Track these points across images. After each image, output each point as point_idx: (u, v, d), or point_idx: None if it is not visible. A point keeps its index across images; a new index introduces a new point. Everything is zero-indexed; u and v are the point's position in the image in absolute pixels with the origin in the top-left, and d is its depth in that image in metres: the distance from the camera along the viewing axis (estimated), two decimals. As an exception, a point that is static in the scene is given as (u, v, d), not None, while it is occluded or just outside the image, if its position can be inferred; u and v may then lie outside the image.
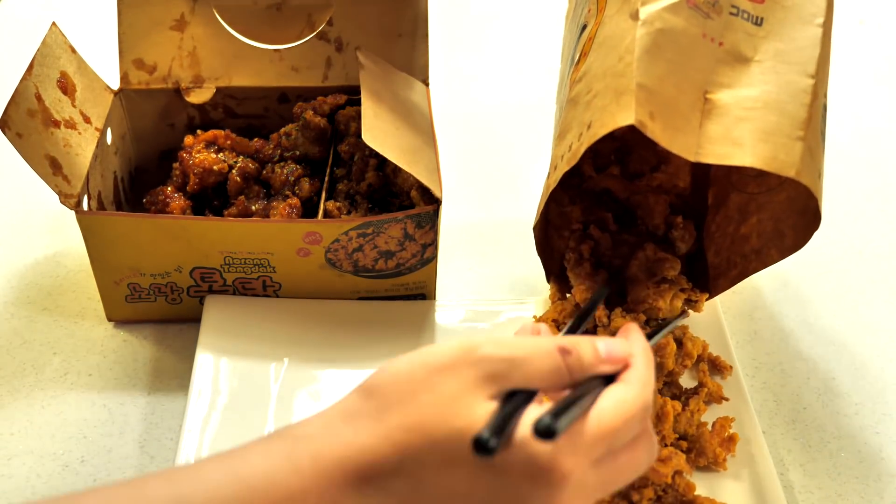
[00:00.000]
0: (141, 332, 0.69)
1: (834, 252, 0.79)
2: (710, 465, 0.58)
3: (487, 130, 0.92)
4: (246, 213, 0.69)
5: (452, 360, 0.38)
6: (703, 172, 0.67)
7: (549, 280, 0.67)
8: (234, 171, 0.71)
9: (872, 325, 0.72)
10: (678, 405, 0.58)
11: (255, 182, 0.72)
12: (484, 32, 1.09)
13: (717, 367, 0.64)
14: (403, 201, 0.68)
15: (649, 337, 0.54)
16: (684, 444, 0.57)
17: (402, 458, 0.36)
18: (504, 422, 0.36)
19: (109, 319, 0.69)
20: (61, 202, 0.61)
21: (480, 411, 0.36)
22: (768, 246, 0.62)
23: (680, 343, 0.61)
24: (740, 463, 0.59)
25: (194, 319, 0.67)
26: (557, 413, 0.36)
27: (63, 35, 0.67)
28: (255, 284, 0.66)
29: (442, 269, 0.70)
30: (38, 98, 0.62)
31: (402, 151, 0.62)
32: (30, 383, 0.65)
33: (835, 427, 0.64)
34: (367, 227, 0.63)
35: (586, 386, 0.40)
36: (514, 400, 0.37)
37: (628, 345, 0.43)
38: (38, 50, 0.64)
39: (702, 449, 0.57)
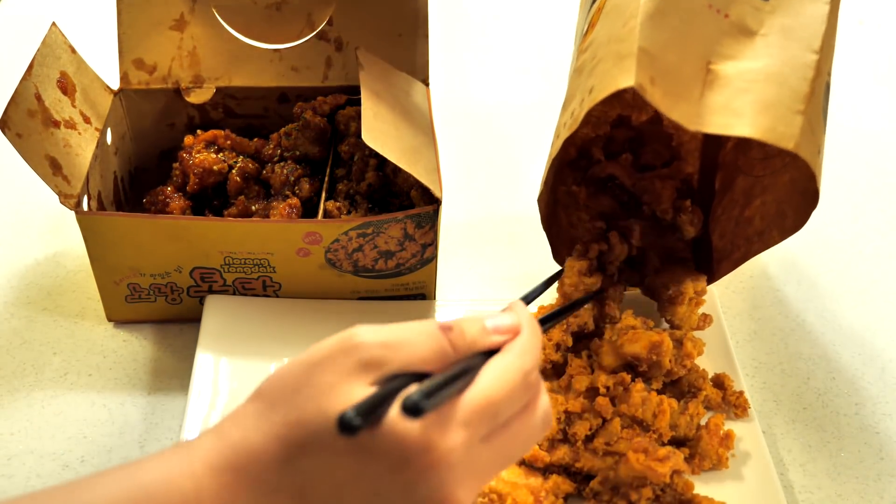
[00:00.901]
0: (141, 332, 0.69)
1: (834, 252, 0.79)
2: (714, 466, 0.58)
3: (487, 130, 0.92)
4: (246, 213, 0.69)
5: (330, 353, 0.38)
6: (711, 157, 0.67)
7: (555, 258, 0.67)
8: (234, 171, 0.71)
9: (872, 325, 0.72)
10: (675, 403, 0.58)
11: (255, 182, 0.72)
12: (484, 32, 1.09)
13: (733, 403, 0.62)
14: (403, 201, 0.68)
15: (563, 311, 0.56)
16: (686, 451, 0.57)
17: (287, 453, 0.36)
18: (376, 403, 0.35)
19: (109, 319, 0.69)
20: (61, 202, 0.61)
21: (357, 397, 0.36)
22: (770, 227, 0.62)
23: (680, 343, 0.61)
24: (740, 463, 0.59)
25: (194, 319, 0.67)
26: (430, 391, 0.36)
27: (63, 35, 0.67)
28: (255, 284, 0.66)
29: (442, 269, 0.70)
30: (38, 98, 0.62)
31: (401, 151, 0.62)
32: (30, 383, 0.65)
33: (835, 427, 0.64)
34: (367, 227, 0.63)
35: (471, 362, 0.39)
36: (394, 383, 0.37)
37: (515, 316, 0.42)
38: (38, 50, 0.64)
39: (704, 452, 0.57)
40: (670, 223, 0.65)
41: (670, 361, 0.60)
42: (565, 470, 0.57)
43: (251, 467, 0.37)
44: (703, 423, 0.59)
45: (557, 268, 0.64)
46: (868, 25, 1.12)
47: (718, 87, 0.51)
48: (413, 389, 0.36)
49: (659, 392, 0.61)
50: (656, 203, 0.64)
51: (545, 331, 0.49)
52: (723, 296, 0.73)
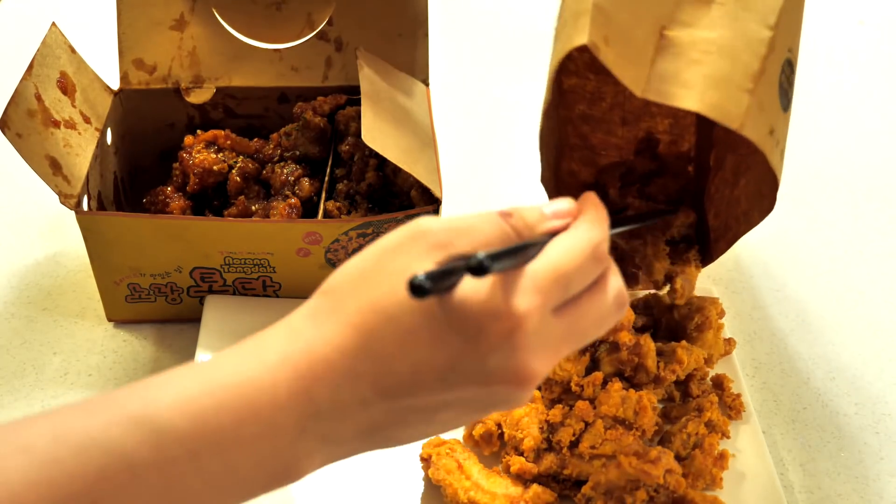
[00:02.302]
0: (141, 332, 0.69)
1: (834, 252, 0.79)
2: (708, 487, 0.57)
3: (487, 130, 0.92)
4: (246, 213, 0.69)
5: (399, 239, 0.38)
6: (706, 134, 0.67)
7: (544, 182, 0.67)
8: (234, 171, 0.71)
9: (872, 325, 0.72)
10: (653, 398, 0.58)
11: (255, 182, 0.72)
12: (484, 32, 1.09)
13: (728, 405, 0.62)
14: (403, 201, 0.68)
15: (620, 224, 0.54)
16: (679, 470, 0.56)
17: (363, 340, 0.36)
18: (447, 271, 0.35)
19: (109, 319, 0.69)
20: (61, 202, 0.61)
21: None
22: (752, 208, 0.62)
23: (673, 351, 0.61)
24: (740, 462, 0.59)
25: (194, 319, 0.67)
26: (496, 254, 0.35)
27: (63, 35, 0.67)
28: (255, 284, 0.66)
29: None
30: (38, 98, 0.62)
31: (401, 152, 0.62)
32: (30, 383, 0.65)
33: (835, 427, 0.64)
34: (367, 227, 0.63)
35: (535, 240, 0.39)
36: (463, 260, 0.37)
37: (572, 201, 0.42)
38: (38, 50, 0.64)
39: (698, 472, 0.56)
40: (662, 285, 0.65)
41: (659, 367, 0.60)
42: (554, 478, 0.57)
43: (327, 357, 0.36)
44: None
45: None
46: (868, 25, 1.12)
47: (671, 55, 0.50)
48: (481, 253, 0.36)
49: (663, 408, 0.61)
50: (647, 272, 0.63)
51: (612, 234, 0.48)
52: (723, 296, 0.73)
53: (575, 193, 0.48)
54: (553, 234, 0.40)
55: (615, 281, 0.41)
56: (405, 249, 0.37)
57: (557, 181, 0.67)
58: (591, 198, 0.43)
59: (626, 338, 0.59)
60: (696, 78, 0.49)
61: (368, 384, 0.36)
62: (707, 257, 0.65)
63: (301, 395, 0.36)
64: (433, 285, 0.34)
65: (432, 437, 0.57)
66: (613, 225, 0.46)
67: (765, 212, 0.59)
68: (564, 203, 0.42)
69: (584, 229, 0.40)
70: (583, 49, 0.64)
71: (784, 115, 0.54)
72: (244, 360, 0.37)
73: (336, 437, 0.37)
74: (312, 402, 0.36)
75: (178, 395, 0.35)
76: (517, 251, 0.37)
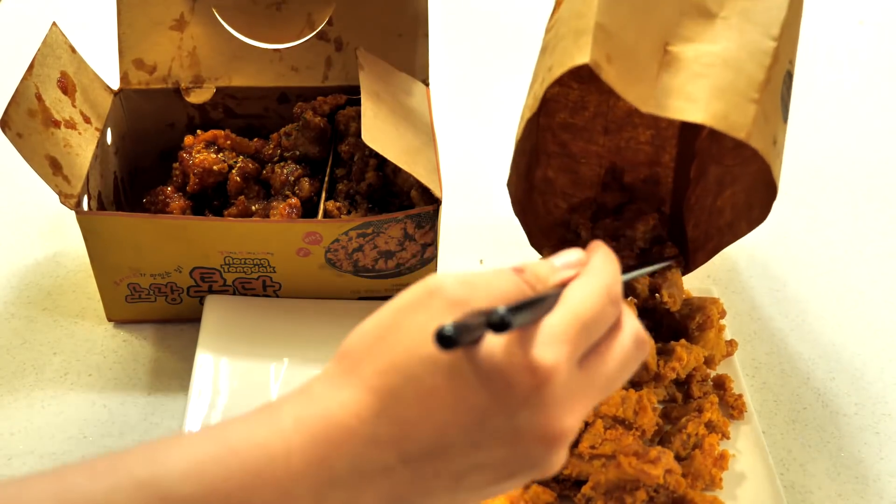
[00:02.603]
0: (141, 332, 0.69)
1: (834, 252, 0.79)
2: (708, 487, 0.57)
3: (487, 130, 0.92)
4: (246, 213, 0.69)
5: (416, 297, 0.37)
6: (688, 145, 0.67)
7: (532, 244, 0.66)
8: (234, 171, 0.71)
9: (872, 325, 0.72)
10: (653, 398, 0.58)
11: (255, 182, 0.72)
12: (484, 32, 1.09)
13: (730, 405, 0.62)
14: (403, 201, 0.68)
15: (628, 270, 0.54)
16: (679, 469, 0.56)
17: (383, 403, 0.35)
18: (470, 325, 0.34)
19: (109, 319, 0.69)
20: (61, 202, 0.61)
21: None
22: (739, 218, 0.62)
23: (673, 350, 0.61)
24: (740, 462, 0.59)
25: (194, 319, 0.67)
26: (516, 307, 0.35)
27: (63, 35, 0.67)
28: (255, 284, 0.66)
29: (442, 269, 0.70)
30: (39, 98, 0.62)
31: (401, 152, 0.62)
32: (30, 383, 0.65)
33: (835, 427, 0.64)
34: (367, 227, 0.63)
35: (548, 293, 0.39)
36: (483, 316, 0.36)
37: (580, 252, 0.42)
38: (39, 50, 0.64)
39: (697, 472, 0.56)
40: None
41: (659, 365, 0.60)
42: (554, 478, 0.57)
43: (345, 423, 0.35)
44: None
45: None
46: (868, 25, 1.12)
47: (675, 70, 0.50)
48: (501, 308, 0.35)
49: (664, 408, 0.61)
50: (632, 294, 0.63)
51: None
52: (723, 296, 0.73)
53: (550, 201, 0.48)
54: (565, 285, 0.39)
55: (632, 322, 0.40)
56: (423, 307, 0.36)
57: (530, 188, 0.66)
58: (598, 245, 0.42)
59: None
60: (700, 90, 0.49)
61: (390, 449, 0.35)
62: (685, 268, 0.65)
63: (317, 464, 0.34)
64: (461, 336, 0.33)
65: None
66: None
67: (754, 222, 0.59)
68: (573, 254, 0.41)
69: (595, 273, 0.39)
70: None
71: (784, 125, 0.55)
72: (257, 424, 0.36)
73: None
74: (329, 469, 0.35)
75: (186, 460, 0.34)
76: (535, 304, 0.37)
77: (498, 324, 0.34)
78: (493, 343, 0.35)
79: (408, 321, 0.36)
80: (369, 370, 0.36)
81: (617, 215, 0.66)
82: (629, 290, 0.61)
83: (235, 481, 0.34)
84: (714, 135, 0.64)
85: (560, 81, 0.64)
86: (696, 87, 0.50)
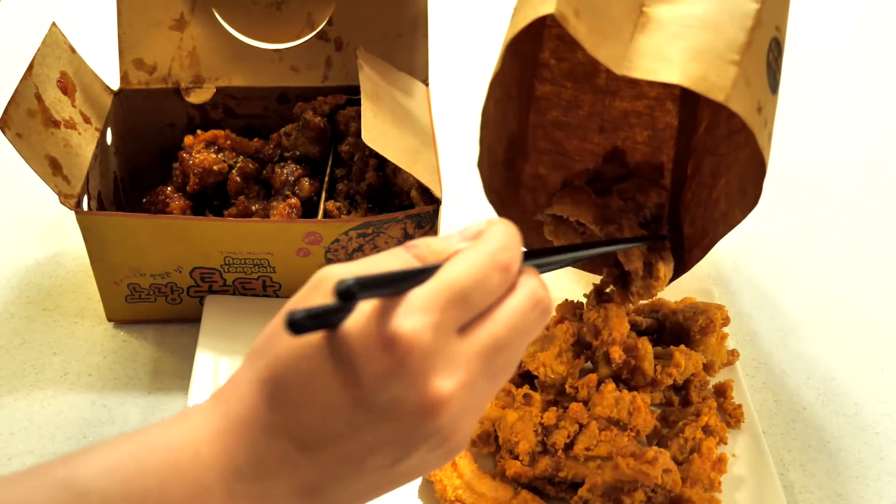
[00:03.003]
0: (141, 332, 0.69)
1: (834, 252, 0.79)
2: (707, 490, 0.57)
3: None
4: (246, 213, 0.69)
5: (303, 292, 0.37)
6: (685, 144, 0.66)
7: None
8: (234, 171, 0.71)
9: (872, 325, 0.72)
10: (647, 398, 0.58)
11: (255, 182, 0.72)
12: (484, 32, 1.09)
13: (728, 413, 0.62)
14: (403, 201, 0.68)
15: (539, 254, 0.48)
16: (676, 469, 0.55)
17: (270, 393, 0.36)
18: (332, 309, 0.34)
19: (109, 319, 0.69)
20: (61, 202, 0.61)
21: None
22: (733, 206, 0.60)
23: (671, 355, 0.61)
24: (740, 463, 0.59)
25: (194, 319, 0.67)
26: (369, 279, 0.33)
27: (63, 35, 0.67)
28: (255, 284, 0.66)
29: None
30: (38, 98, 0.62)
31: (401, 152, 0.62)
32: (30, 383, 0.65)
33: (835, 427, 0.64)
34: (367, 227, 0.63)
35: (429, 265, 0.37)
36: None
37: (486, 223, 0.40)
38: (38, 50, 0.64)
39: (696, 476, 0.56)
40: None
41: (656, 370, 0.60)
42: (550, 481, 0.57)
43: (242, 414, 0.36)
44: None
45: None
46: (868, 25, 1.12)
47: (651, 31, 0.49)
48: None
49: (661, 412, 0.61)
50: (625, 259, 0.61)
51: (543, 271, 0.42)
52: (723, 296, 0.73)
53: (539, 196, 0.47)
54: None
55: (529, 284, 0.38)
56: (308, 298, 0.36)
57: (516, 183, 0.66)
58: (498, 219, 0.40)
59: (617, 353, 0.59)
60: (677, 51, 0.48)
61: (285, 438, 0.35)
62: (681, 267, 0.64)
63: (222, 456, 0.35)
64: (312, 321, 0.33)
65: None
66: (537, 255, 0.44)
67: (747, 207, 0.58)
68: (473, 227, 0.39)
69: (481, 242, 0.38)
70: (560, 57, 0.63)
71: (773, 96, 0.53)
72: (172, 424, 0.37)
73: (271, 500, 0.36)
74: (234, 461, 0.35)
75: (105, 460, 0.35)
76: (402, 277, 0.35)
77: (343, 293, 0.32)
78: (353, 321, 0.34)
79: None
80: (261, 363, 0.36)
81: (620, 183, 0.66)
82: (613, 261, 0.60)
83: (151, 475, 0.35)
84: (709, 128, 0.64)
85: (552, 80, 0.64)
86: (673, 48, 0.48)
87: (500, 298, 0.37)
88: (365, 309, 0.34)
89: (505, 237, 0.38)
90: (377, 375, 0.34)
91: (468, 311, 0.36)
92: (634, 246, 0.59)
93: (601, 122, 0.66)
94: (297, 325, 0.33)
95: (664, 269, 0.60)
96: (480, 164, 0.60)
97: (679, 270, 0.64)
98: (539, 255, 0.46)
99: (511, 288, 0.38)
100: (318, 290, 0.36)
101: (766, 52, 0.51)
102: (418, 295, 0.35)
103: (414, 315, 0.34)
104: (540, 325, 0.38)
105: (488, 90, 0.54)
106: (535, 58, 0.64)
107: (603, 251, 0.59)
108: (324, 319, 0.34)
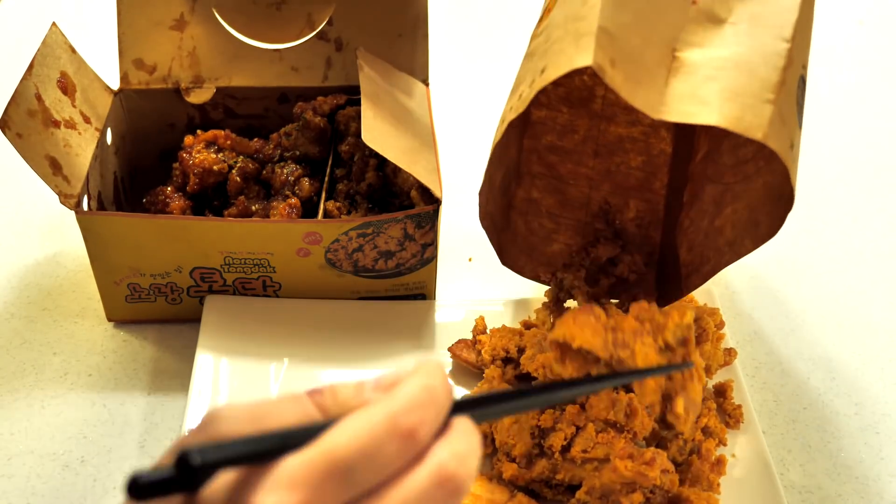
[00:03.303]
0: (141, 332, 0.69)
1: (834, 252, 0.79)
2: (706, 491, 0.57)
3: (487, 131, 0.92)
4: (246, 213, 0.69)
5: (190, 434, 0.32)
6: (680, 171, 0.66)
7: (504, 262, 0.65)
8: (234, 171, 0.71)
9: (872, 325, 0.72)
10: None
11: (255, 182, 0.72)
12: (484, 32, 1.09)
13: (728, 413, 0.62)
14: (403, 201, 0.68)
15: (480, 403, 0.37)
16: (676, 477, 0.55)
17: None
18: (179, 478, 0.29)
19: (109, 319, 0.69)
20: (61, 202, 0.61)
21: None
22: (742, 236, 0.60)
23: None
24: (741, 463, 0.59)
25: (194, 319, 0.67)
26: (230, 445, 0.29)
27: (63, 35, 0.67)
28: (255, 284, 0.66)
29: (442, 269, 0.70)
30: (39, 98, 0.62)
31: (401, 152, 0.62)
32: (30, 383, 0.65)
33: (835, 427, 0.64)
34: (367, 227, 0.63)
35: (317, 425, 0.31)
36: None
37: (404, 373, 0.33)
38: (38, 50, 0.64)
39: (695, 478, 0.56)
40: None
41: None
42: (547, 484, 0.57)
43: None
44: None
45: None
46: (868, 25, 1.12)
47: (684, 75, 0.49)
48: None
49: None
50: (639, 394, 0.59)
51: (481, 421, 0.35)
52: (723, 296, 0.73)
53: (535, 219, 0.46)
54: None
55: (438, 457, 0.31)
56: (192, 439, 0.31)
57: (508, 206, 0.66)
58: (427, 362, 0.34)
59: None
60: (712, 94, 0.48)
61: None
62: (676, 293, 0.64)
63: None
64: (155, 488, 0.28)
65: None
66: (482, 403, 0.36)
67: (760, 239, 0.58)
68: (389, 377, 0.33)
69: (384, 401, 0.31)
70: (557, 83, 0.63)
71: (799, 131, 0.53)
72: None
73: None
74: None
75: None
76: (277, 440, 0.30)
77: (184, 464, 0.28)
78: (210, 490, 0.29)
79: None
80: None
81: (611, 268, 0.65)
82: (637, 389, 0.52)
83: None
84: (710, 156, 0.64)
85: (548, 105, 0.64)
86: (708, 90, 0.48)
87: (399, 473, 0.31)
88: (226, 477, 0.29)
89: (419, 392, 0.32)
90: None
91: (351, 489, 0.29)
92: (650, 375, 0.51)
93: (596, 146, 0.66)
94: (139, 489, 0.28)
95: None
96: (481, 193, 0.60)
97: (675, 296, 0.63)
98: (498, 399, 0.38)
99: (418, 458, 0.31)
100: (201, 434, 0.31)
101: (796, 90, 0.51)
102: (289, 465, 0.29)
103: (277, 492, 0.28)
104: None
105: (505, 130, 0.54)
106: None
107: (592, 389, 0.52)
108: (172, 485, 0.29)
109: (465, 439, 0.32)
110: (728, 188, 0.62)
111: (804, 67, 0.54)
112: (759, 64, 0.49)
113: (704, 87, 0.48)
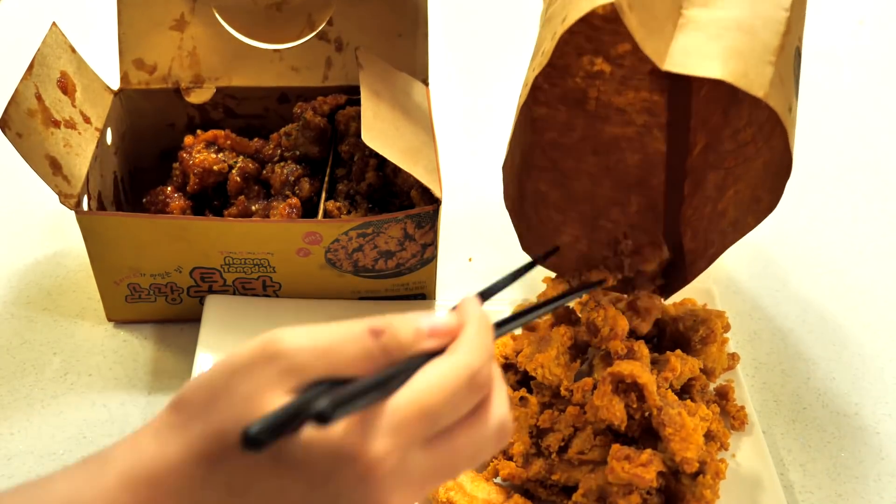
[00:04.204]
0: (141, 332, 0.69)
1: (834, 252, 0.79)
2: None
3: (487, 131, 0.92)
4: (246, 213, 0.69)
5: (251, 359, 0.35)
6: (676, 167, 0.66)
7: (525, 249, 0.66)
8: (234, 171, 0.71)
9: (872, 325, 0.72)
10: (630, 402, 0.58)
11: (255, 182, 0.72)
12: (484, 32, 1.09)
13: (732, 415, 0.61)
14: (403, 201, 0.68)
15: (528, 312, 0.51)
16: (673, 483, 0.55)
17: (207, 469, 0.34)
18: (287, 414, 0.33)
19: (109, 319, 0.69)
20: (61, 202, 0.61)
21: (274, 407, 0.33)
22: (745, 214, 0.61)
23: (667, 360, 0.61)
24: (741, 463, 0.59)
25: (194, 319, 0.67)
26: (342, 399, 0.32)
27: (63, 35, 0.67)
28: (255, 284, 0.66)
29: (442, 268, 0.70)
30: (39, 98, 0.62)
31: (401, 151, 0.62)
32: (30, 383, 0.65)
33: (835, 427, 0.64)
34: (367, 227, 0.63)
35: (405, 365, 0.36)
36: (314, 391, 0.34)
37: (457, 317, 0.38)
38: (39, 50, 0.64)
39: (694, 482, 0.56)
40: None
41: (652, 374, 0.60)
42: (542, 484, 0.57)
43: (170, 483, 0.34)
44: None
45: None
46: (868, 25, 1.12)
47: (690, 31, 0.51)
48: (325, 398, 0.32)
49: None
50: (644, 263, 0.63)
51: (503, 333, 0.44)
52: (723, 296, 0.73)
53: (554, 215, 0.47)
54: (427, 355, 0.37)
55: (498, 409, 0.38)
56: (256, 372, 0.34)
57: (522, 197, 0.66)
58: (472, 312, 0.39)
59: (618, 346, 0.59)
60: (717, 50, 0.50)
61: None
62: (682, 280, 0.64)
63: None
64: (270, 437, 0.32)
65: None
66: (508, 322, 0.45)
67: (762, 213, 0.59)
68: (443, 320, 0.38)
69: (456, 354, 0.36)
70: (553, 83, 0.64)
71: (796, 99, 0.55)
72: (83, 481, 0.35)
73: None
74: None
75: None
76: (374, 387, 0.34)
77: (319, 417, 0.32)
78: (312, 431, 0.33)
79: (239, 385, 0.34)
80: (197, 431, 0.35)
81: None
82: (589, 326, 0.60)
83: None
84: (710, 146, 0.64)
85: (547, 103, 0.65)
86: (714, 47, 0.50)
87: (471, 417, 0.37)
88: (340, 423, 0.34)
89: (481, 347, 0.37)
90: (333, 489, 0.34)
91: (435, 427, 0.36)
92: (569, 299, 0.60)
93: (594, 144, 0.66)
94: (255, 442, 0.31)
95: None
96: (504, 166, 0.61)
97: (680, 283, 0.64)
98: (507, 321, 0.46)
99: (482, 407, 0.37)
100: (268, 366, 0.35)
101: (793, 58, 0.53)
102: (389, 413, 0.34)
103: (385, 437, 0.34)
104: (497, 450, 0.39)
105: (529, 90, 0.56)
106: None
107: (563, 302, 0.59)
108: (284, 429, 0.33)
109: (504, 386, 0.39)
110: (729, 172, 0.62)
111: (800, 40, 0.55)
112: (761, 28, 0.51)
113: (710, 45, 0.50)
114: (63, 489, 0.35)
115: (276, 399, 0.34)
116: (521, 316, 0.50)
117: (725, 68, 0.49)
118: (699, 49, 0.50)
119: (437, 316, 0.38)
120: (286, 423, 0.33)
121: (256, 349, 0.35)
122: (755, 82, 0.49)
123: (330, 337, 0.36)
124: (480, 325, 0.38)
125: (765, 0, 0.52)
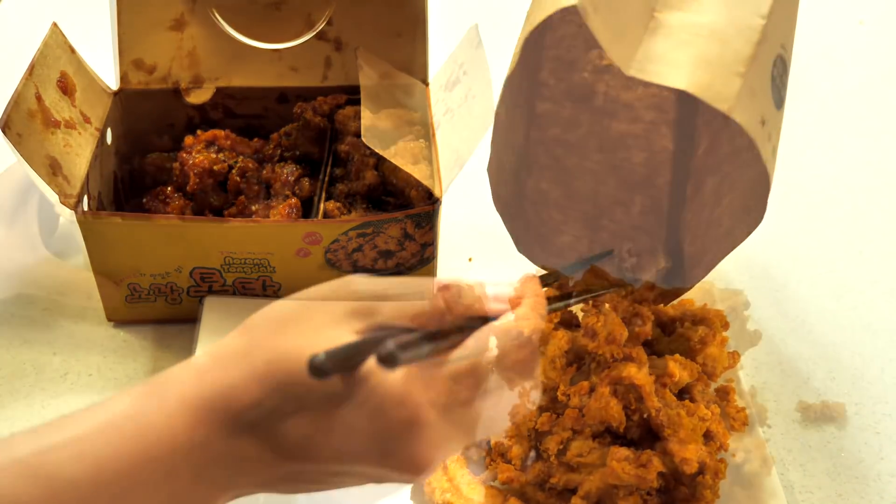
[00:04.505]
0: (141, 333, 0.69)
1: (834, 252, 0.79)
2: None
3: (487, 130, 0.92)
4: (246, 213, 0.69)
5: (325, 294, 0.38)
6: (681, 167, 0.66)
7: (519, 249, 0.66)
8: (234, 171, 0.71)
9: (872, 325, 0.72)
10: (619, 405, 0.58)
11: (256, 182, 0.72)
12: (484, 32, 1.09)
13: (732, 416, 0.61)
14: (402, 201, 0.68)
15: (560, 299, 0.55)
16: (673, 483, 0.55)
17: (265, 394, 0.35)
18: (352, 350, 0.35)
19: (109, 319, 0.69)
20: (61, 202, 0.61)
21: (340, 343, 0.36)
22: (737, 225, 0.60)
23: (665, 365, 0.60)
24: (741, 463, 0.59)
25: (194, 320, 0.66)
26: (408, 344, 0.35)
27: (63, 35, 0.67)
28: (255, 285, 0.66)
29: (442, 269, 0.70)
30: (39, 98, 0.62)
31: (401, 152, 0.62)
32: (30, 383, 0.65)
33: (835, 427, 0.64)
34: (367, 227, 0.63)
35: (464, 324, 0.39)
36: (378, 333, 0.36)
37: (518, 289, 0.42)
38: (39, 50, 0.64)
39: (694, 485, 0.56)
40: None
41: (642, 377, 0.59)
42: (541, 487, 0.57)
43: (229, 406, 0.36)
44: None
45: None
46: (868, 25, 1.12)
47: (660, 36, 0.50)
48: (392, 341, 0.35)
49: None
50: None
51: (551, 311, 0.49)
52: (723, 296, 0.73)
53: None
54: (484, 319, 0.40)
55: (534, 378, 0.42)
56: (326, 307, 0.37)
57: (522, 195, 0.66)
58: (532, 286, 0.43)
59: (616, 352, 0.58)
60: (685, 58, 0.49)
61: (270, 443, 0.36)
62: (681, 287, 0.64)
63: (200, 445, 0.35)
64: (334, 367, 0.34)
65: None
66: (552, 301, 0.48)
67: (751, 226, 0.58)
68: (506, 288, 0.42)
69: (514, 324, 0.40)
70: (559, 77, 0.64)
71: (777, 112, 0.53)
72: (144, 402, 0.36)
73: (233, 486, 0.36)
74: (212, 451, 0.35)
75: (73, 440, 0.34)
76: (435, 339, 0.37)
77: (385, 358, 0.34)
78: (374, 369, 0.35)
79: (310, 316, 0.37)
80: (261, 357, 0.36)
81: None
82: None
83: (123, 461, 0.34)
84: (710, 147, 0.64)
85: (552, 98, 0.64)
86: (681, 54, 0.49)
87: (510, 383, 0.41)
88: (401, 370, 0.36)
89: (534, 322, 0.41)
90: (384, 429, 0.36)
91: (481, 386, 0.39)
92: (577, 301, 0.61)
93: (600, 141, 0.66)
94: (320, 371, 0.34)
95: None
96: (489, 169, 0.60)
97: (681, 289, 0.64)
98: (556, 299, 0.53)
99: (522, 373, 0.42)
100: (340, 304, 0.37)
101: (770, 68, 0.52)
102: (447, 369, 0.37)
103: (436, 389, 0.37)
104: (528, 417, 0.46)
105: (501, 91, 0.55)
106: (536, 75, 0.65)
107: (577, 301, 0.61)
108: (348, 363, 0.35)
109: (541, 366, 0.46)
110: (725, 177, 0.62)
111: (784, 48, 0.54)
112: (734, 36, 0.50)
113: (678, 51, 0.49)
114: (125, 407, 0.36)
115: (344, 335, 0.36)
116: (566, 298, 0.55)
117: (690, 79, 0.48)
118: (665, 56, 0.49)
119: (501, 284, 0.42)
120: (352, 357, 0.35)
121: (333, 286, 0.38)
122: (720, 94, 0.48)
123: (399, 287, 0.39)
124: (536, 303, 0.42)
125: (742, 5, 0.51)
